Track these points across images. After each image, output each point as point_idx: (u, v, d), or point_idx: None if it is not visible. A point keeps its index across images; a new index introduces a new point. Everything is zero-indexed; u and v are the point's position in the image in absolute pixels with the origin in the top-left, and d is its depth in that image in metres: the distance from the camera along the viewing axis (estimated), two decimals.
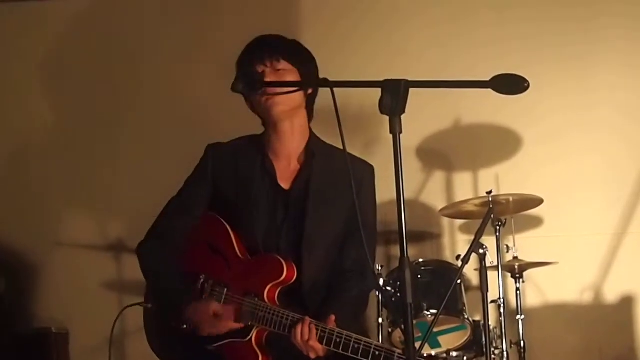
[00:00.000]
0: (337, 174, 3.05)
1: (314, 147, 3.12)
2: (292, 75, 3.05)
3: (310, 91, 3.09)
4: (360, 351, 2.73)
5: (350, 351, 2.74)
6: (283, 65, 3.04)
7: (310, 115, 3.16)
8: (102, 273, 4.96)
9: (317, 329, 2.80)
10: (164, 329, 3.09)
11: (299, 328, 2.82)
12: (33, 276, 5.03)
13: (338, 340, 2.77)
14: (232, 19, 4.97)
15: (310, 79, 3.08)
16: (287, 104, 3.01)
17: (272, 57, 3.03)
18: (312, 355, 2.83)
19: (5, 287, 4.97)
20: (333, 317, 2.86)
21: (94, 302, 4.90)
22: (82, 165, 5.06)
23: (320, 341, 2.79)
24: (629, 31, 4.68)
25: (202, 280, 3.05)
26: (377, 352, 2.72)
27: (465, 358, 4.00)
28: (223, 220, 3.09)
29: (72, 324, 4.85)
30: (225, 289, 3.01)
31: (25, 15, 5.17)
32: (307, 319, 2.82)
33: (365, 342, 2.73)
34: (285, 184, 3.09)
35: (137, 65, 5.05)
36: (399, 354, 2.68)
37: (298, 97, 3.04)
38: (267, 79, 2.99)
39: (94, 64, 5.10)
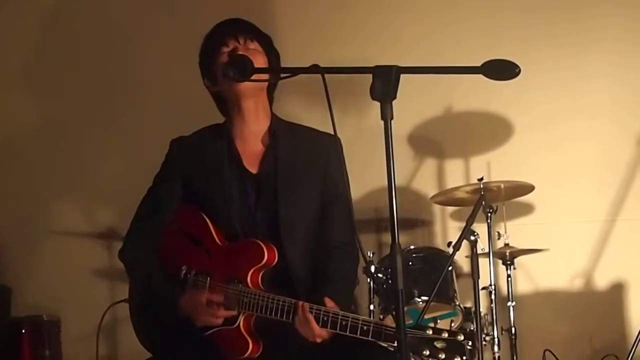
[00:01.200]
0: (303, 150, 3.07)
1: (276, 126, 3.11)
2: (262, 58, 3.04)
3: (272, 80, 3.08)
4: (348, 328, 2.71)
5: (338, 328, 2.73)
6: (255, 45, 3.06)
7: (270, 102, 3.16)
8: (94, 261, 4.96)
9: (311, 311, 2.78)
10: (152, 322, 3.09)
11: (299, 314, 2.79)
12: (24, 264, 5.03)
13: (325, 318, 2.75)
14: (223, 10, 4.94)
15: (276, 66, 3.10)
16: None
17: (246, 35, 3.06)
18: (318, 340, 2.80)
19: None
20: (330, 301, 2.83)
21: (86, 290, 4.91)
22: (73, 153, 5.06)
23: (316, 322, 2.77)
24: (621, 19, 4.68)
25: (184, 272, 3.04)
26: (364, 327, 2.69)
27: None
28: (199, 210, 3.07)
29: (64, 311, 4.85)
30: (208, 278, 2.99)
31: (19, 5, 5.16)
32: (303, 303, 2.80)
33: (352, 317, 2.71)
34: (252, 168, 3.09)
35: (128, 54, 5.03)
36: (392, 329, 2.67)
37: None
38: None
39: (85, 53, 5.09)
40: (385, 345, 2.73)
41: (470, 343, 2.60)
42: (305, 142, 3.10)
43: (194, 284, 3.01)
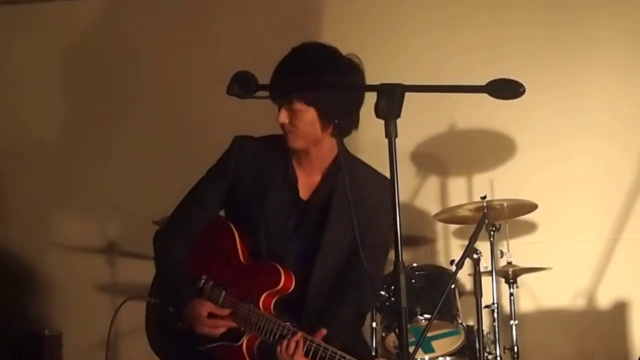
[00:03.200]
0: (359, 189, 2.99)
1: (340, 162, 3.01)
2: (309, 115, 2.91)
3: (336, 121, 2.94)
4: None
5: None
6: (298, 106, 2.91)
7: (345, 135, 3.02)
8: (96, 275, 4.95)
9: (305, 342, 2.78)
10: (162, 326, 3.09)
11: (285, 341, 2.80)
12: (26, 278, 5.02)
13: (323, 355, 2.75)
14: (231, 23, 4.97)
15: (333, 112, 2.91)
16: (305, 139, 2.95)
17: (286, 99, 2.91)
18: None
19: None
20: (324, 331, 2.84)
21: (88, 304, 4.90)
22: (78, 167, 5.06)
23: (306, 354, 2.77)
24: (624, 35, 4.69)
25: (202, 281, 3.04)
26: None
27: None
28: (230, 223, 3.07)
29: (66, 326, 4.84)
30: (224, 292, 3.00)
31: (25, 19, 5.18)
32: (298, 333, 2.80)
33: (348, 359, 2.71)
34: (303, 194, 3.06)
35: (135, 68, 5.05)
36: None
37: (313, 132, 2.94)
38: (282, 120, 2.92)
39: (92, 66, 5.11)
40: None
41: None
42: (363, 182, 3.01)
43: (208, 295, 3.01)
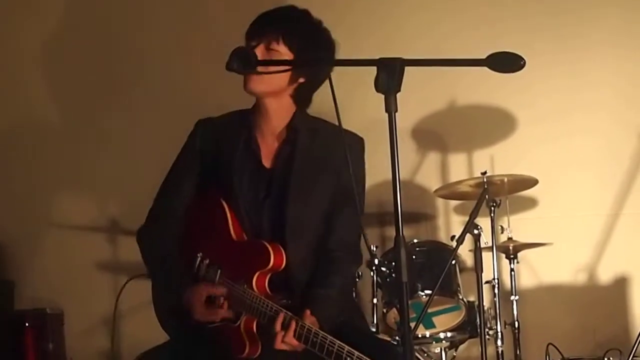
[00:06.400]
0: (323, 149, 3.00)
1: (298, 123, 3.03)
2: (285, 58, 2.94)
3: (302, 80, 2.98)
4: (333, 354, 2.68)
5: (324, 353, 2.70)
6: (280, 47, 2.94)
7: (304, 103, 3.05)
8: (97, 254, 4.96)
9: (296, 325, 2.76)
10: (163, 304, 3.08)
11: (278, 322, 2.77)
12: (27, 257, 5.03)
13: (314, 339, 2.72)
14: (223, 3, 4.96)
15: (305, 68, 2.96)
16: (265, 85, 2.94)
17: (271, 36, 2.94)
18: (286, 347, 2.78)
19: None
20: (308, 312, 2.81)
21: (89, 283, 4.91)
22: (76, 146, 5.06)
23: (299, 338, 2.75)
24: (626, 12, 4.67)
25: (198, 260, 3.01)
26: (348, 358, 2.66)
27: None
28: (223, 201, 3.02)
29: (67, 304, 4.86)
30: (219, 271, 2.96)
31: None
32: (288, 315, 2.77)
33: (338, 345, 2.68)
34: (267, 162, 3.03)
35: (132, 47, 5.03)
36: None
37: (280, 81, 2.94)
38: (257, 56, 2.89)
39: (90, 46, 5.10)
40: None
41: None
42: (326, 141, 3.00)
43: (204, 275, 2.98)
